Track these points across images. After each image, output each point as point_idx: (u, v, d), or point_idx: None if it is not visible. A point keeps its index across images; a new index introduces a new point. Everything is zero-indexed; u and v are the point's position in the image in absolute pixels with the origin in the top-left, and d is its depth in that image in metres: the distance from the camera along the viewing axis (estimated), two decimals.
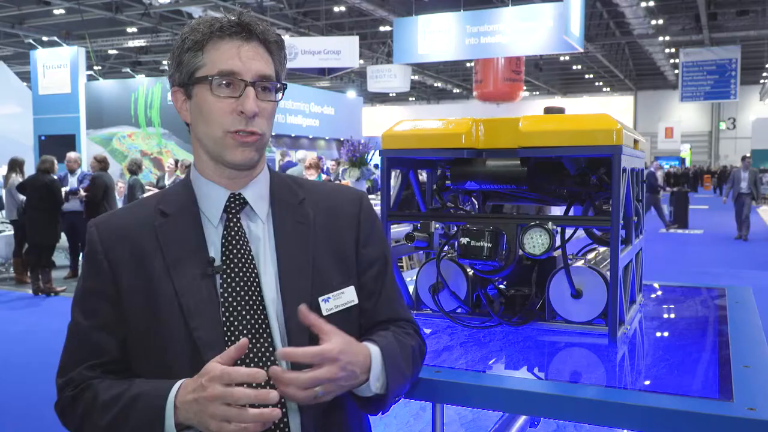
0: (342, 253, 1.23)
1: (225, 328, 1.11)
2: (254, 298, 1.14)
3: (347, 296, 1.20)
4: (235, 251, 1.15)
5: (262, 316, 1.14)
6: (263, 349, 1.12)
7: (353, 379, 1.09)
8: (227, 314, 1.12)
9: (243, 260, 1.15)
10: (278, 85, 1.19)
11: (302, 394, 1.02)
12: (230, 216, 1.18)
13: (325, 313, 1.16)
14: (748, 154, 17.18)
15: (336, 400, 1.12)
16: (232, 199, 1.19)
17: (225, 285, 1.13)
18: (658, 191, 14.96)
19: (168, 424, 1.03)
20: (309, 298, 1.15)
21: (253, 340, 1.12)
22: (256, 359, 1.11)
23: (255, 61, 1.14)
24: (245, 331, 1.12)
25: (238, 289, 1.14)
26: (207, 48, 1.14)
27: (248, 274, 1.15)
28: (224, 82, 1.13)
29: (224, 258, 1.15)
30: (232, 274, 1.14)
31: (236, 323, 1.12)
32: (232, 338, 1.11)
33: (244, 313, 1.13)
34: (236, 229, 1.18)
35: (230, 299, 1.13)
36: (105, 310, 1.14)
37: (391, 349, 1.16)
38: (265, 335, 1.13)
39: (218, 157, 1.16)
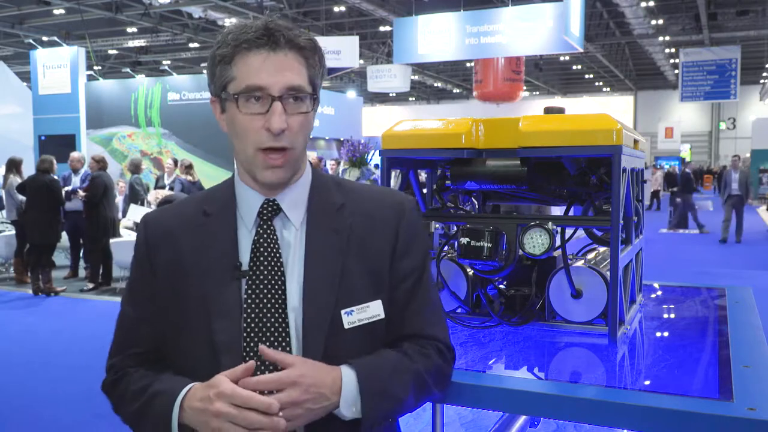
0: (374, 264, 1.18)
1: (245, 334, 1.11)
2: (278, 305, 1.13)
3: (372, 310, 1.15)
4: (264, 257, 1.15)
5: (283, 324, 1.13)
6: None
7: (323, 401, 1.05)
8: (248, 320, 1.12)
9: (271, 266, 1.14)
10: (311, 94, 1.15)
11: (265, 420, 1.00)
12: (263, 221, 1.17)
13: (347, 326, 1.13)
14: (740, 154, 17.14)
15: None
16: (265, 205, 1.18)
17: (249, 291, 1.13)
18: (691, 192, 14.58)
19: (173, 425, 1.08)
20: (332, 310, 1.13)
21: (271, 348, 1.11)
22: (272, 367, 1.10)
23: (283, 73, 1.11)
24: (264, 338, 1.11)
25: (261, 296, 1.13)
26: (235, 61, 1.12)
27: (274, 281, 1.14)
28: (252, 98, 1.11)
29: (252, 263, 1.14)
30: (257, 280, 1.13)
31: (256, 329, 1.12)
32: (251, 344, 1.11)
33: (264, 320, 1.12)
34: (268, 234, 1.17)
35: (253, 305, 1.12)
36: (146, 304, 1.20)
37: (374, 370, 1.11)
38: (284, 344, 1.12)
39: (251, 173, 1.17)
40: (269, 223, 1.18)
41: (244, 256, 1.16)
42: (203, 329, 1.12)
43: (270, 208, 1.18)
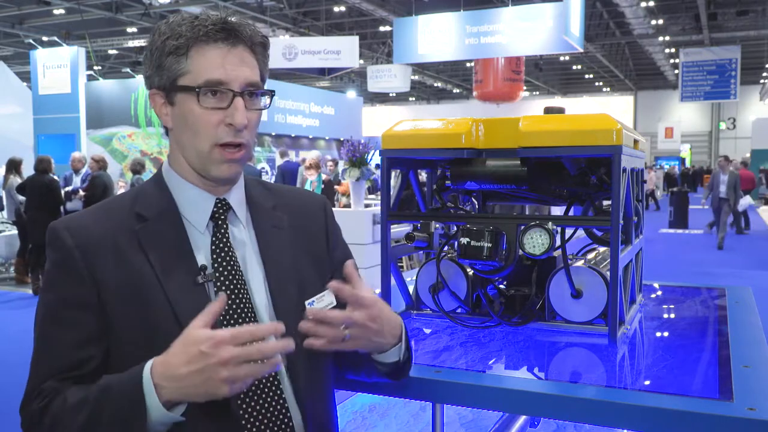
0: (317, 256, 1.26)
1: None
2: (246, 305, 1.13)
3: (328, 298, 1.19)
4: (224, 259, 1.14)
5: (254, 322, 1.13)
6: None
7: (380, 337, 1.12)
8: (223, 323, 1.11)
9: (232, 268, 1.14)
10: (265, 92, 1.16)
11: (332, 332, 1.04)
12: (219, 223, 1.17)
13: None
14: (741, 154, 16.95)
15: (330, 393, 1.18)
16: (218, 205, 1.17)
17: (219, 292, 1.11)
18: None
19: (152, 403, 0.97)
20: (297, 302, 1.15)
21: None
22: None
23: (242, 69, 1.11)
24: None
25: (232, 297, 1.12)
26: (191, 54, 1.09)
27: (237, 280, 1.14)
28: (209, 92, 1.09)
29: (215, 265, 1.13)
30: (226, 282, 1.13)
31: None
32: None
33: (239, 320, 1.12)
34: (223, 235, 1.16)
35: (224, 308, 1.11)
36: (87, 320, 1.07)
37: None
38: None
39: (201, 170, 1.14)
40: (226, 223, 1.17)
41: (202, 259, 1.13)
42: (174, 336, 1.02)
43: (222, 208, 1.17)
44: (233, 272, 1.14)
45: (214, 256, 1.14)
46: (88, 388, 1.03)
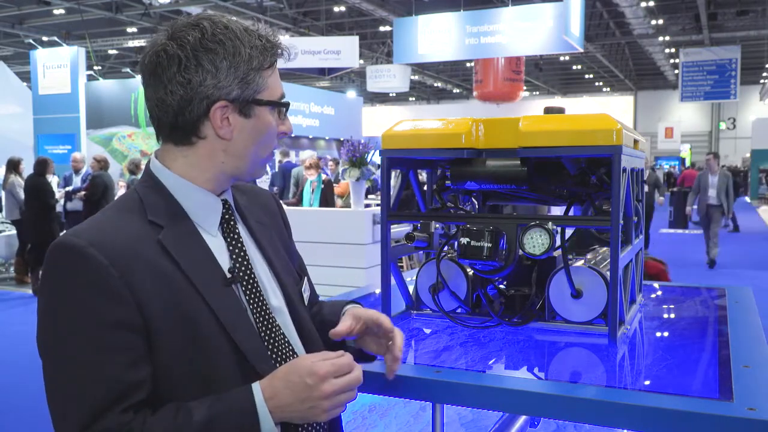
0: (287, 247, 1.32)
1: (262, 338, 1.13)
2: (265, 302, 1.16)
3: (308, 285, 1.32)
4: (241, 258, 1.16)
5: (275, 319, 1.17)
6: (286, 350, 1.16)
7: None
8: (257, 323, 1.13)
9: (248, 267, 1.16)
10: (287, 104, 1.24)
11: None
12: (230, 224, 1.18)
13: (306, 303, 1.27)
14: (741, 154, 16.52)
15: None
16: (227, 207, 1.18)
17: (247, 293, 1.13)
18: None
19: (267, 429, 1.01)
20: (299, 292, 1.25)
21: (278, 344, 1.15)
22: (282, 360, 1.14)
23: None
24: (274, 336, 1.15)
25: (254, 295, 1.15)
26: (270, 70, 1.15)
27: (255, 280, 1.16)
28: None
29: (237, 265, 1.14)
30: (246, 282, 1.14)
31: (264, 330, 1.14)
32: (277, 345, 1.14)
33: (262, 318, 1.14)
34: (238, 236, 1.18)
35: (251, 307, 1.13)
36: (134, 342, 1.00)
37: None
38: (284, 336, 1.17)
39: (245, 175, 1.18)
40: (235, 224, 1.19)
41: (223, 262, 1.13)
42: (223, 343, 1.04)
43: (229, 210, 1.19)
44: (249, 271, 1.16)
45: (234, 256, 1.15)
46: (171, 417, 0.98)
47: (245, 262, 1.16)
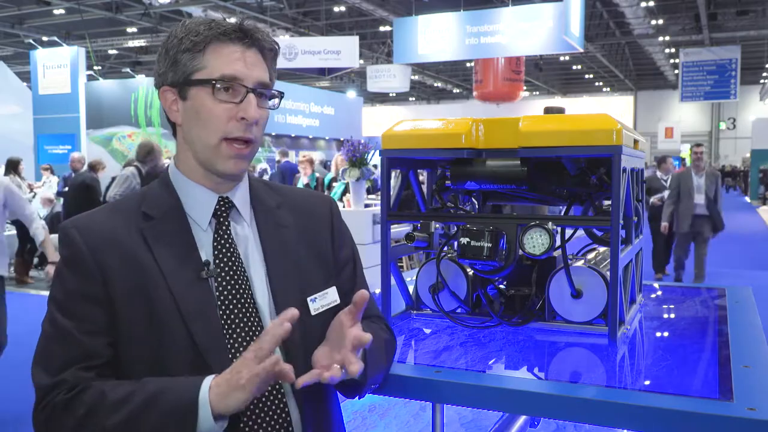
0: (322, 255, 1.28)
1: (225, 332, 1.13)
2: (248, 300, 1.16)
3: (331, 296, 1.25)
4: (226, 255, 1.17)
5: (256, 319, 1.16)
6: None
7: None
8: (224, 317, 1.13)
9: (234, 264, 1.17)
10: (274, 94, 1.20)
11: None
12: (221, 220, 1.19)
13: (313, 313, 1.21)
14: (741, 154, 16.03)
15: (329, 392, 1.21)
16: (221, 203, 1.20)
17: (221, 288, 1.15)
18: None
19: (204, 416, 1.01)
20: (299, 299, 1.19)
21: (245, 341, 1.13)
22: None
23: (256, 68, 1.16)
24: (243, 334, 1.14)
25: (234, 292, 1.15)
26: (208, 51, 1.14)
27: (238, 277, 1.16)
28: (223, 88, 1.13)
29: (217, 261, 1.16)
30: (227, 278, 1.15)
31: (233, 326, 1.13)
32: (231, 341, 1.12)
33: (240, 315, 1.14)
34: (226, 232, 1.19)
35: (226, 302, 1.14)
36: (96, 313, 1.10)
37: (374, 342, 1.17)
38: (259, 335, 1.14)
39: (208, 164, 1.17)
40: (227, 221, 1.20)
41: (205, 256, 1.16)
42: (179, 332, 1.09)
43: (225, 206, 1.20)
44: (235, 268, 1.17)
45: (216, 252, 1.17)
46: (130, 388, 1.05)
47: (233, 259, 1.17)
